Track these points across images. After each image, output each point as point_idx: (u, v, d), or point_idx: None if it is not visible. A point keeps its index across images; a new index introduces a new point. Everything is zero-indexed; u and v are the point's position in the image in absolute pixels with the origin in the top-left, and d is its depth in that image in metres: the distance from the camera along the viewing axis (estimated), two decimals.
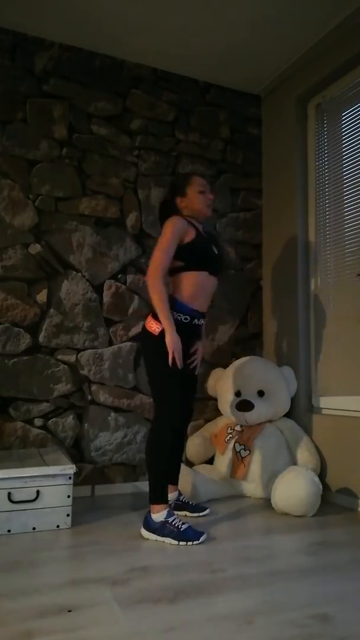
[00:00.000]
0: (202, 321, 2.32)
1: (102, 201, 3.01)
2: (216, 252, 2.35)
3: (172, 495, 2.36)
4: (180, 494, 2.43)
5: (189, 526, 2.06)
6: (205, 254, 2.28)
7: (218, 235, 2.55)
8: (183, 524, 2.06)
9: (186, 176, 2.42)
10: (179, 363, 2.08)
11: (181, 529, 2.03)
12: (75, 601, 1.50)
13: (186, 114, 3.28)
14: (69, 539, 2.08)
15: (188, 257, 2.23)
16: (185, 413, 2.35)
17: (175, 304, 2.20)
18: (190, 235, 2.25)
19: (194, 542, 2.00)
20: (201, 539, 2.02)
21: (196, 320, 2.26)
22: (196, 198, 2.34)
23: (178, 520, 2.07)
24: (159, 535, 2.05)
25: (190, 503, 2.43)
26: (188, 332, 2.23)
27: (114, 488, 2.84)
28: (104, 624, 1.37)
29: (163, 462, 2.14)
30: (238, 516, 2.43)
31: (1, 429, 2.70)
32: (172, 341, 2.07)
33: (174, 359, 2.07)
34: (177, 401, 2.15)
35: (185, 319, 2.21)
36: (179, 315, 2.20)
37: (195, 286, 2.24)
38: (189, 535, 2.02)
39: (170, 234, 2.18)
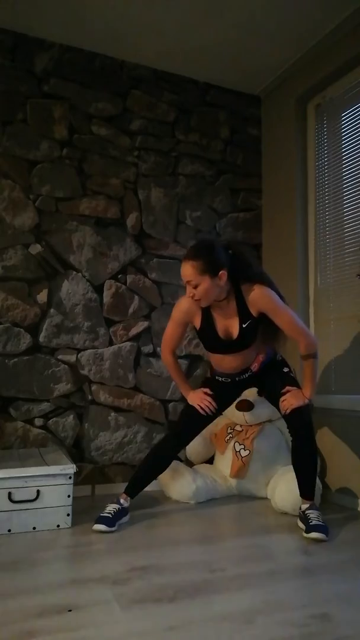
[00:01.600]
0: (246, 375, 2.35)
1: (103, 201, 3.01)
2: (223, 338, 2.20)
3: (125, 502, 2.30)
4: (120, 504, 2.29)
5: (100, 515, 2.19)
6: (207, 343, 2.28)
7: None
8: (109, 511, 2.21)
9: None
10: (205, 410, 2.33)
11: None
12: (76, 601, 1.50)
13: (186, 115, 3.28)
14: (69, 539, 2.08)
15: (200, 340, 2.33)
16: (183, 440, 2.40)
17: (213, 371, 2.44)
18: (197, 322, 2.26)
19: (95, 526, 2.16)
20: (97, 526, 2.15)
21: (237, 377, 2.36)
22: None
23: (110, 507, 2.24)
24: None
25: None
26: (235, 385, 2.40)
27: (114, 488, 2.84)
28: (104, 623, 1.37)
29: (145, 458, 2.38)
30: (238, 516, 2.44)
31: (1, 429, 2.70)
32: (189, 400, 2.38)
33: (200, 407, 2.34)
34: (178, 425, 2.40)
35: (226, 379, 2.38)
36: (220, 378, 2.39)
37: (215, 362, 2.37)
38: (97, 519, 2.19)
39: (172, 319, 2.31)
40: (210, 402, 2.34)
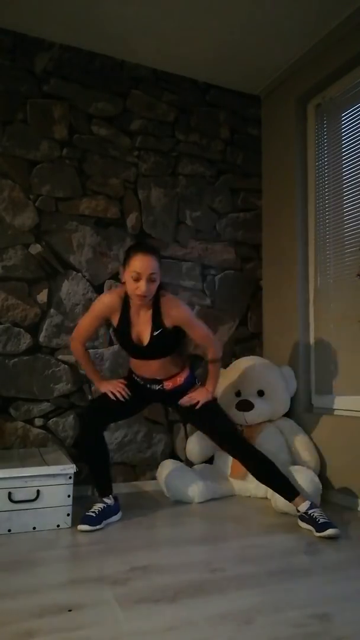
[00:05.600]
0: (156, 386, 2.35)
1: (102, 201, 3.01)
2: (135, 342, 2.22)
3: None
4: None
5: (85, 514, 2.21)
6: (123, 344, 2.31)
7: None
8: (93, 510, 2.23)
9: (130, 248, 2.18)
10: (118, 395, 2.32)
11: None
12: (76, 601, 1.50)
13: (186, 115, 3.28)
14: (69, 539, 2.08)
15: (115, 338, 2.37)
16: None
17: (130, 368, 2.42)
18: (115, 320, 2.25)
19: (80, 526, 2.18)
20: (81, 526, 2.16)
21: (147, 384, 2.36)
22: (127, 280, 2.14)
23: (95, 506, 2.26)
24: None
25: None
26: (145, 390, 2.39)
27: (114, 488, 2.82)
28: (104, 623, 1.37)
29: (85, 458, 2.40)
30: (238, 516, 2.44)
31: (2, 429, 2.70)
32: (102, 388, 2.36)
33: (112, 393, 2.33)
34: (89, 415, 2.35)
35: (139, 380, 2.38)
36: (134, 376, 2.39)
37: (131, 363, 2.39)
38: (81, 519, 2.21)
39: (91, 311, 2.28)
40: (123, 389, 2.33)
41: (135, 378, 2.39)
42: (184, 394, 2.35)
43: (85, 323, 2.30)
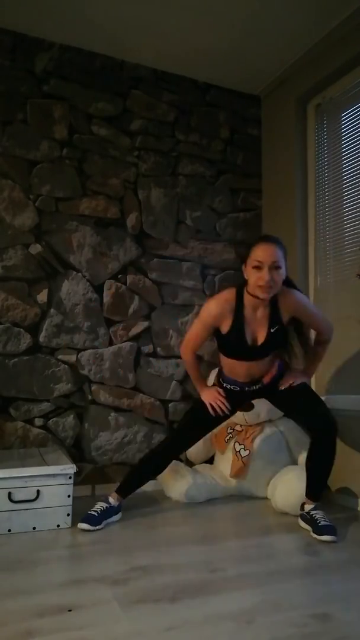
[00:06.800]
0: (256, 386, 2.27)
1: (103, 201, 3.01)
2: (250, 344, 2.13)
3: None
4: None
5: (87, 513, 2.21)
6: (233, 349, 2.17)
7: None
8: (95, 510, 2.23)
9: (254, 241, 2.08)
10: (216, 410, 2.28)
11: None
12: (76, 601, 1.50)
13: (186, 115, 3.28)
14: (69, 539, 2.08)
15: (220, 344, 2.23)
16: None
17: (222, 376, 2.32)
18: (226, 326, 2.13)
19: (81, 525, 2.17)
20: (81, 525, 2.16)
21: (246, 387, 2.28)
22: (249, 273, 2.05)
23: (98, 505, 2.26)
24: None
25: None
26: (243, 395, 2.32)
27: (114, 488, 2.80)
28: (104, 623, 1.37)
29: (143, 459, 2.41)
30: (238, 516, 2.44)
31: (2, 429, 2.70)
32: (203, 396, 2.31)
33: (212, 406, 2.28)
34: (182, 428, 2.38)
35: (235, 387, 2.29)
36: (228, 386, 2.30)
37: (228, 368, 2.28)
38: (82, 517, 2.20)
39: (199, 321, 2.20)
40: (222, 403, 2.27)
41: (229, 387, 2.29)
42: (278, 381, 2.27)
43: (195, 333, 2.22)
